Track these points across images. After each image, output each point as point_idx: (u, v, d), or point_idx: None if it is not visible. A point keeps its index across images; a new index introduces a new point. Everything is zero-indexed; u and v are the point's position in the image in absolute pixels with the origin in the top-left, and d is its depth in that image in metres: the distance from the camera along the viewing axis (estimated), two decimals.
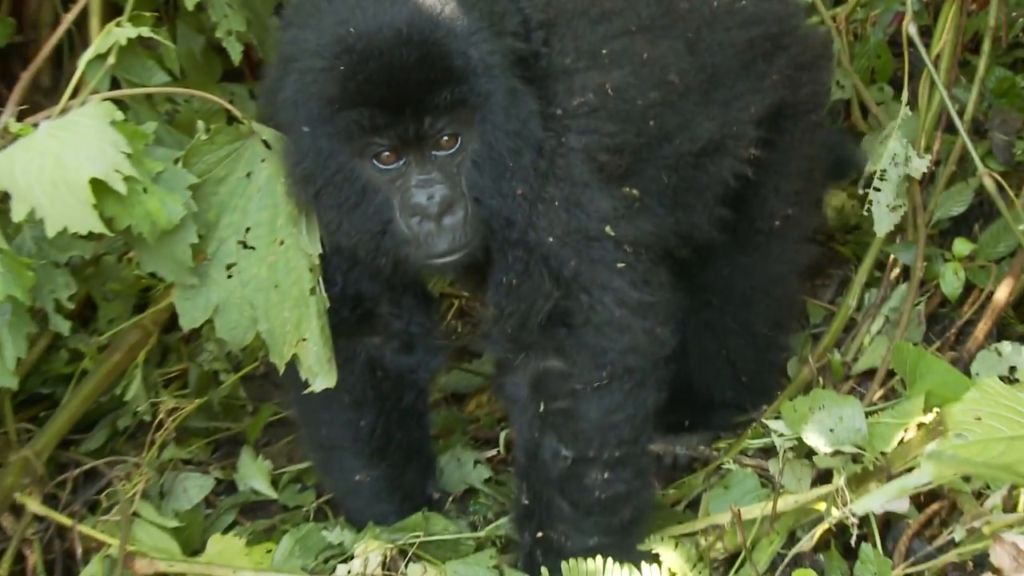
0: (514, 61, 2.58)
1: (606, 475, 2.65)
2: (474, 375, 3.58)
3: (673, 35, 2.89)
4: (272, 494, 3.34)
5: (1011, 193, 3.23)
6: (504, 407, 2.92)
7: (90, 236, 2.66)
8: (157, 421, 3.40)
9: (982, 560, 2.38)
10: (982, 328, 3.26)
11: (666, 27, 2.89)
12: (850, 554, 2.68)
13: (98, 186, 2.55)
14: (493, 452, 3.39)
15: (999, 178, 3.25)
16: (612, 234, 2.68)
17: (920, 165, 3.32)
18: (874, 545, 2.53)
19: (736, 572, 2.63)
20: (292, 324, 2.81)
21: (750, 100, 3.00)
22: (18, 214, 2.59)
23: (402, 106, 2.48)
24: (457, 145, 2.57)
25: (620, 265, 2.69)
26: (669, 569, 2.48)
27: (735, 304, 3.16)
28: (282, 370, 2.82)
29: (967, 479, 2.48)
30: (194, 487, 3.33)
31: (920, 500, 2.64)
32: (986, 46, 3.46)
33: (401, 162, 2.57)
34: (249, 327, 2.83)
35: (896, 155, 3.30)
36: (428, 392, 3.17)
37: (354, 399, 3.04)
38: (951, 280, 3.29)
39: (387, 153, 2.55)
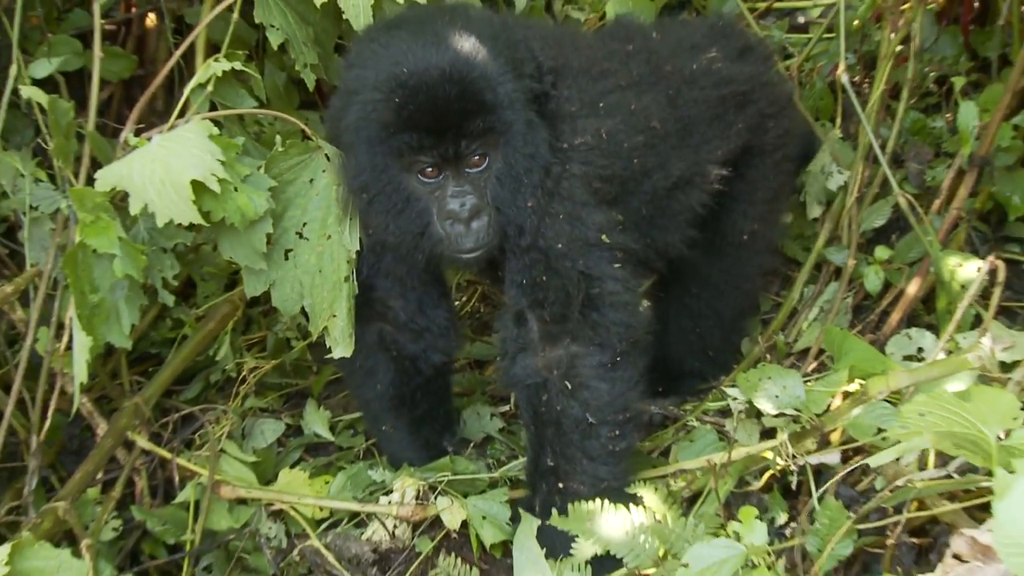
0: (531, 98, 2.71)
1: (617, 432, 2.78)
2: (492, 346, 3.64)
3: (657, 91, 3.03)
4: (330, 437, 3.49)
5: (921, 211, 3.38)
6: (511, 386, 2.96)
7: (190, 227, 2.78)
8: (241, 377, 3.58)
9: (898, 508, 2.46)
10: (895, 316, 3.40)
11: (652, 84, 3.04)
12: (789, 495, 2.80)
13: (197, 186, 2.70)
14: (506, 408, 3.50)
15: (912, 199, 3.37)
16: (607, 241, 2.81)
17: (839, 179, 3.56)
18: (810, 489, 2.61)
19: (699, 507, 2.73)
20: (327, 303, 2.97)
21: (718, 144, 3.14)
22: (134, 209, 2.72)
23: (443, 131, 2.62)
24: (485, 164, 2.71)
25: (616, 265, 2.82)
26: (648, 506, 2.51)
27: (709, 294, 3.30)
28: (315, 338, 3.00)
29: (885, 439, 2.53)
30: (269, 430, 3.48)
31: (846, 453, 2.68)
32: (904, 93, 3.61)
33: (440, 177, 2.71)
34: (297, 301, 2.99)
35: (824, 167, 3.54)
36: (447, 365, 3.28)
37: (370, 368, 3.17)
38: (872, 279, 3.46)
39: (430, 169, 2.69)
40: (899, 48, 3.65)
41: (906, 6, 3.63)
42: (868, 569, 2.52)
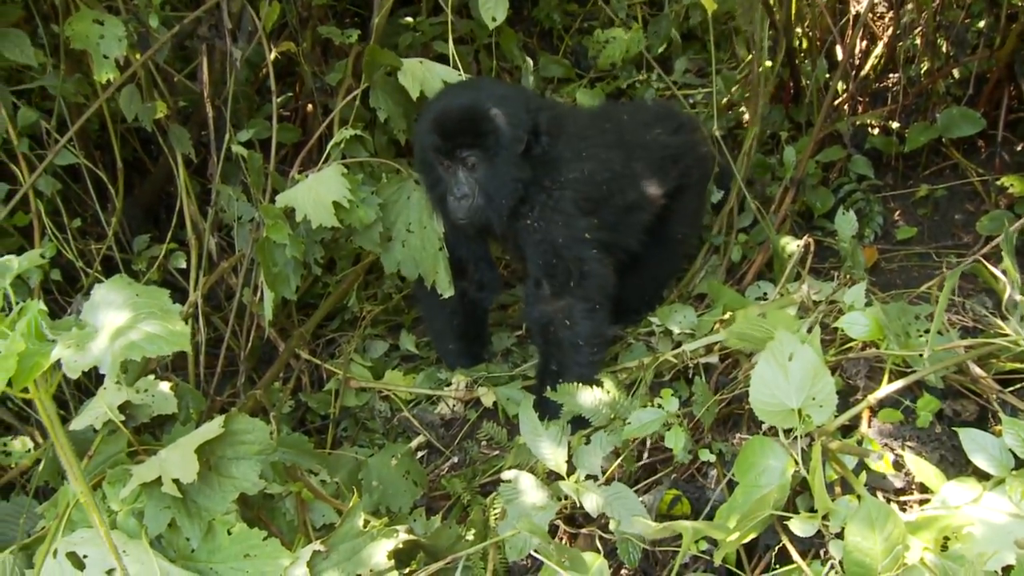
0: (515, 142, 2.70)
1: (595, 350, 2.81)
2: (512, 296, 3.56)
3: (619, 148, 2.98)
4: (416, 351, 3.44)
5: (764, 212, 3.32)
6: (530, 322, 2.98)
7: (331, 229, 2.72)
8: (363, 316, 3.49)
9: None
10: (750, 275, 3.34)
11: (616, 145, 2.98)
12: (688, 383, 2.70)
13: (336, 204, 2.61)
14: (519, 332, 3.43)
15: (759, 205, 3.36)
16: (589, 236, 2.81)
17: (718, 195, 3.49)
18: (701, 377, 2.52)
19: (635, 390, 2.64)
20: (432, 266, 2.94)
21: (659, 184, 3.08)
22: (298, 217, 2.72)
23: (449, 139, 2.68)
24: (474, 169, 2.71)
25: (593, 251, 2.81)
26: (607, 388, 2.45)
27: (652, 268, 3.23)
28: (429, 288, 2.97)
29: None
30: (379, 347, 3.46)
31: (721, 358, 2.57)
32: (753, 143, 3.53)
33: (451, 169, 2.72)
34: (414, 269, 2.96)
35: (711, 191, 3.43)
36: (488, 307, 3.24)
37: (451, 311, 3.13)
38: (736, 252, 3.35)
39: (445, 162, 2.71)
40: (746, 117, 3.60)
41: (748, 94, 3.59)
42: (737, 423, 2.45)
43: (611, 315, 2.88)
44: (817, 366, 1.83)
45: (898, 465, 1.91)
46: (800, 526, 1.75)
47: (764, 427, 2.11)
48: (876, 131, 3.76)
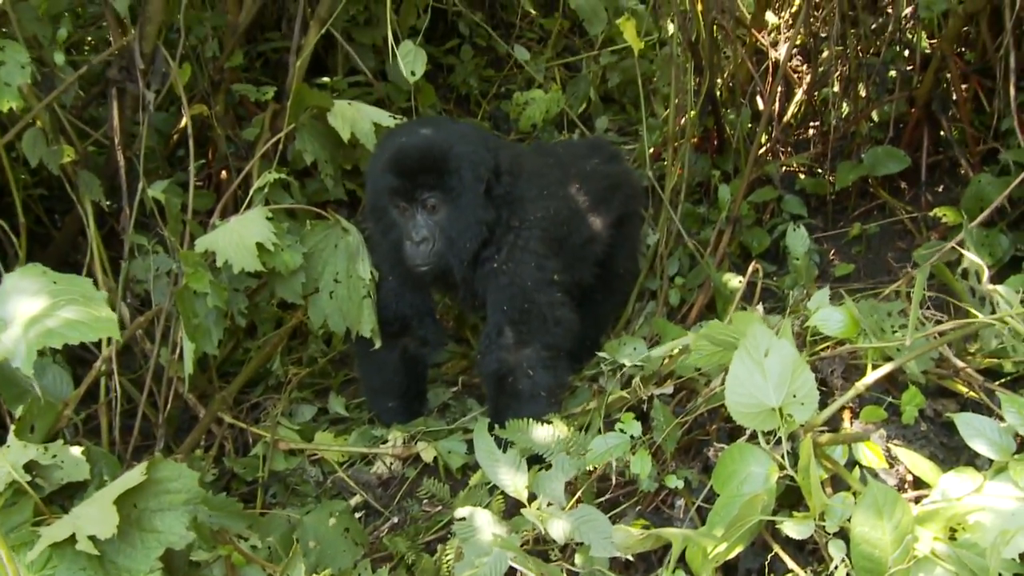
0: (476, 178, 2.57)
1: (554, 400, 2.71)
2: (447, 352, 3.40)
3: (570, 184, 2.91)
4: (346, 413, 3.24)
5: (702, 252, 3.22)
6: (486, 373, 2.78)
7: (254, 275, 2.57)
8: (288, 380, 3.31)
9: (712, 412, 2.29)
10: (693, 316, 3.23)
11: (567, 180, 2.92)
12: (643, 419, 2.54)
13: (259, 247, 2.47)
14: (455, 388, 3.29)
15: (697, 244, 3.25)
16: (557, 279, 2.71)
17: (654, 237, 3.35)
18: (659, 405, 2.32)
19: (588, 430, 2.45)
20: (357, 315, 2.74)
21: (606, 215, 3.01)
22: (219, 262, 2.58)
23: (409, 178, 2.52)
24: (435, 211, 2.56)
25: (559, 295, 2.72)
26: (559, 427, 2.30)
27: (598, 304, 3.12)
28: (355, 337, 2.81)
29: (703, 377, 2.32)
30: (307, 411, 3.27)
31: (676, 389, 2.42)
32: (683, 192, 3.47)
33: (408, 212, 2.56)
34: (341, 322, 2.81)
35: (647, 234, 3.31)
36: (427, 366, 3.12)
37: (393, 368, 2.97)
38: (675, 296, 3.26)
39: (403, 203, 2.56)
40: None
41: (677, 143, 3.55)
42: (700, 451, 2.30)
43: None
44: (796, 360, 1.72)
45: (889, 462, 1.78)
46: (795, 528, 1.60)
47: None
48: (803, 175, 3.76)
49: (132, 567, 1.97)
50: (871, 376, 1.74)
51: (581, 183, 2.92)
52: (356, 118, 2.79)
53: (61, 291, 1.26)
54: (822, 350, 2.02)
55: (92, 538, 1.88)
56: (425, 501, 2.75)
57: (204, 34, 3.62)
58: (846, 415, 1.89)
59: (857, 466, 1.74)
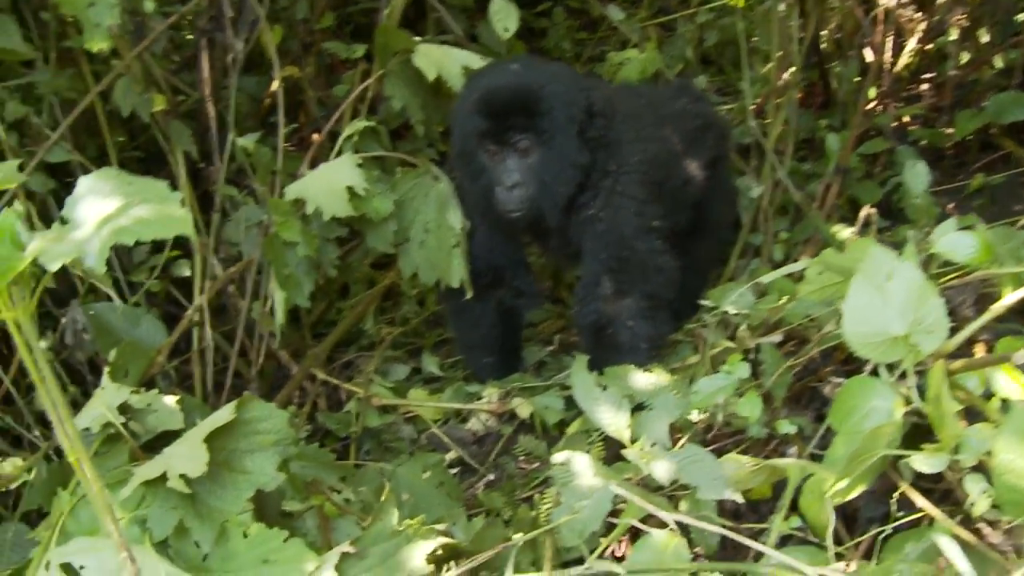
0: (572, 123, 2.46)
1: (654, 353, 2.59)
2: (544, 312, 3.32)
3: (665, 125, 2.77)
4: (440, 373, 3.14)
5: (809, 204, 3.11)
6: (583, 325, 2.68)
7: (345, 224, 2.51)
8: (381, 339, 3.21)
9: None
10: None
11: (661, 122, 2.77)
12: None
13: (350, 192, 2.39)
14: (551, 347, 3.18)
15: (805, 196, 3.17)
16: (658, 225, 2.60)
17: (758, 190, 3.15)
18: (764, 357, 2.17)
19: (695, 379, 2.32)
20: (447, 265, 2.67)
21: (700, 156, 2.86)
22: (310, 209, 2.52)
23: (499, 120, 2.42)
24: (527, 154, 2.45)
25: (659, 242, 2.61)
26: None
27: (694, 260, 2.92)
28: (443, 287, 2.73)
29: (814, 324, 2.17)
30: (400, 370, 3.19)
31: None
32: (789, 148, 3.33)
33: (498, 156, 2.46)
34: (432, 273, 2.73)
35: (751, 187, 3.12)
36: (525, 317, 3.01)
37: (489, 322, 2.88)
38: (779, 251, 3.10)
39: (492, 147, 2.45)
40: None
41: (780, 100, 3.39)
42: (813, 399, 2.17)
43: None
44: (923, 284, 1.58)
45: None
46: (926, 462, 1.47)
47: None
48: (917, 127, 3.57)
49: (223, 507, 1.92)
50: (1010, 297, 1.60)
51: (674, 124, 2.79)
52: (443, 60, 2.70)
53: (135, 191, 1.20)
54: (951, 279, 1.88)
55: (184, 477, 1.84)
56: (521, 458, 2.68)
57: None
58: (979, 349, 1.74)
59: (995, 398, 1.59)
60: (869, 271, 1.61)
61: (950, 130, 3.50)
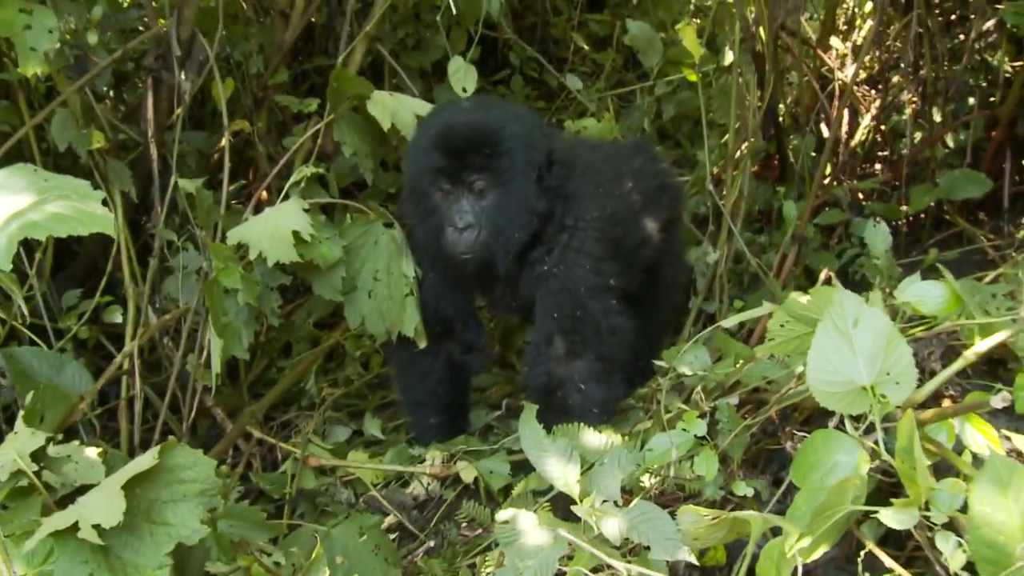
0: (529, 163, 2.37)
1: (605, 418, 2.45)
2: (491, 376, 3.26)
3: (623, 182, 2.71)
4: (382, 436, 3.02)
5: (766, 272, 3.06)
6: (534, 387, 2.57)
7: (289, 272, 2.40)
8: (322, 399, 3.09)
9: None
10: (755, 339, 2.93)
11: (619, 178, 2.70)
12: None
13: (296, 236, 2.29)
14: (498, 412, 3.05)
15: (761, 263, 3.11)
16: (613, 284, 2.51)
17: (714, 256, 3.11)
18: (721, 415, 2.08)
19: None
20: (399, 314, 2.56)
21: (656, 217, 2.80)
22: (252, 254, 2.41)
23: (456, 158, 2.33)
24: (483, 195, 2.37)
25: (614, 302, 2.51)
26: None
27: (653, 318, 2.89)
28: (395, 338, 2.63)
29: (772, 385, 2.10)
30: (340, 432, 3.07)
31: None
32: (742, 217, 3.29)
33: (452, 196, 2.37)
34: (380, 323, 2.63)
35: (708, 252, 3.06)
36: (472, 374, 2.89)
37: (437, 378, 2.75)
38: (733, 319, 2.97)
39: (447, 186, 2.36)
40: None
41: (735, 172, 3.36)
42: (770, 463, 2.08)
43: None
44: (891, 332, 1.50)
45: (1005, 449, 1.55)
46: (896, 517, 1.37)
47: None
48: (872, 200, 3.55)
49: (139, 562, 1.78)
50: (981, 344, 1.52)
51: (632, 181, 2.73)
52: (397, 108, 2.63)
53: (51, 188, 1.10)
54: (917, 330, 1.81)
55: (97, 527, 1.70)
56: (464, 524, 2.54)
57: (249, 50, 3.52)
58: (946, 403, 1.66)
59: (966, 451, 1.51)
60: (835, 317, 1.53)
61: (904, 207, 3.48)
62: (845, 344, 1.52)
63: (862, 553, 1.48)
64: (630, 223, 2.65)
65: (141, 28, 2.96)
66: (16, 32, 2.04)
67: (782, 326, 1.81)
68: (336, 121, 2.67)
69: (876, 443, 1.49)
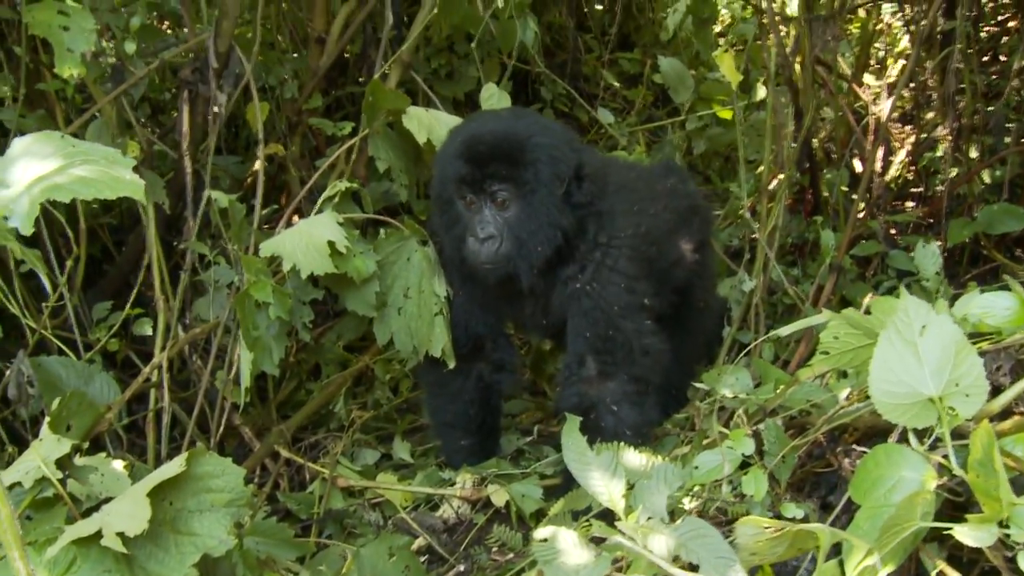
0: (555, 176, 2.28)
1: (640, 441, 2.26)
2: (523, 403, 3.16)
3: (657, 201, 2.60)
4: (410, 460, 2.91)
5: (803, 300, 2.96)
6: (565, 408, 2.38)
7: (321, 283, 2.31)
8: (351, 422, 2.99)
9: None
10: (793, 368, 2.81)
11: (653, 197, 2.60)
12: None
13: (330, 246, 2.21)
14: (530, 438, 2.96)
15: (798, 292, 3.02)
16: (648, 304, 2.41)
17: (750, 284, 2.98)
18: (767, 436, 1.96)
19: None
20: (428, 333, 2.47)
21: (688, 238, 2.71)
22: (286, 267, 2.31)
23: (480, 167, 2.25)
24: (506, 207, 2.28)
25: (649, 323, 2.41)
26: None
27: (686, 342, 2.78)
28: (422, 358, 2.53)
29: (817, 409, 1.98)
30: (369, 455, 2.96)
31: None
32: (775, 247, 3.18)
33: (475, 206, 2.29)
34: (409, 340, 2.52)
35: (744, 280, 2.94)
36: (503, 395, 2.77)
37: (468, 399, 2.65)
38: (768, 350, 2.93)
39: (470, 196, 2.28)
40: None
41: (770, 204, 3.26)
42: (817, 487, 1.96)
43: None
44: (960, 341, 1.40)
45: None
46: (972, 534, 1.25)
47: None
48: (908, 234, 3.45)
49: (163, 573, 1.68)
50: None
51: (665, 201, 2.64)
52: (433, 124, 2.55)
53: (79, 153, 1.02)
54: (982, 344, 1.70)
55: (121, 536, 1.60)
56: (495, 549, 2.42)
57: (283, 76, 3.47)
58: (1016, 420, 1.55)
59: None
60: (900, 325, 1.43)
61: (939, 242, 3.38)
62: (911, 353, 1.41)
63: (933, 574, 1.36)
64: (663, 242, 2.56)
65: (175, 40, 2.90)
66: (54, 33, 1.98)
67: (836, 338, 1.69)
68: (371, 136, 2.60)
69: (945, 458, 1.38)
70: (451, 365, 2.50)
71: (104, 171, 0.98)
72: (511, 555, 2.38)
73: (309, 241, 2.28)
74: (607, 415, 2.35)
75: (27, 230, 0.94)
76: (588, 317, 2.35)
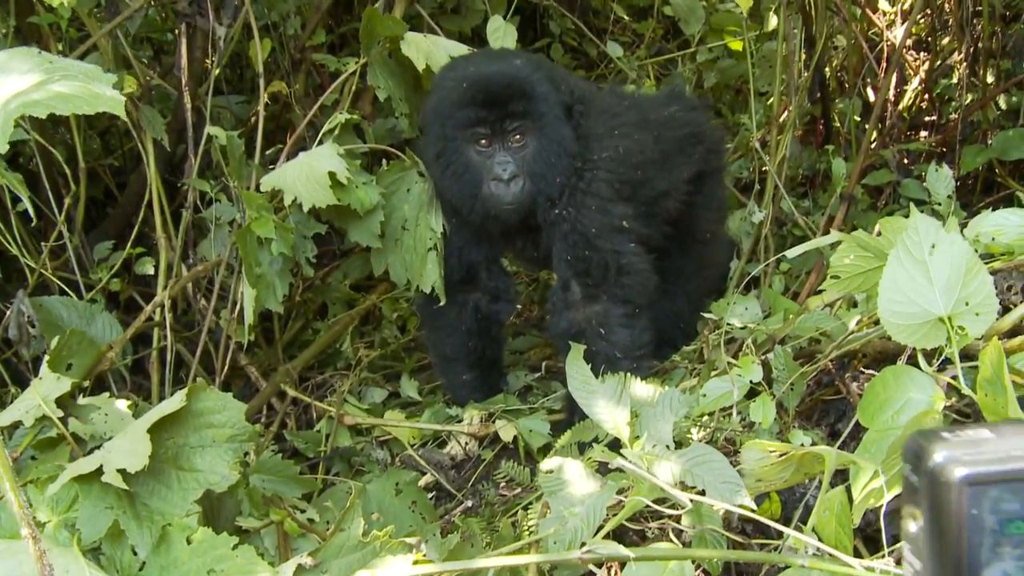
0: (562, 106, 2.27)
1: (635, 365, 2.27)
2: (531, 338, 3.14)
3: (646, 130, 2.54)
4: (418, 398, 2.89)
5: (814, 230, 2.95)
6: (557, 336, 2.46)
7: (324, 221, 2.28)
8: (358, 360, 2.98)
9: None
10: (803, 297, 2.79)
11: (643, 125, 2.54)
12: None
13: (332, 178, 2.17)
14: (538, 373, 2.92)
15: (808, 222, 2.98)
16: (627, 226, 2.37)
17: (760, 215, 2.94)
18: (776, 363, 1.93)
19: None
20: (420, 268, 2.44)
21: (684, 168, 2.64)
22: (287, 200, 2.29)
23: (493, 109, 2.22)
24: (524, 143, 2.26)
25: (632, 244, 2.37)
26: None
27: (682, 281, 2.74)
28: (413, 290, 2.54)
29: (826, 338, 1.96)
30: (376, 393, 2.93)
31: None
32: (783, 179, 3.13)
33: (490, 148, 2.25)
34: (403, 272, 2.50)
35: (753, 212, 2.89)
36: (504, 326, 2.76)
37: (466, 329, 2.62)
38: (778, 283, 2.87)
39: (484, 140, 2.25)
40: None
41: (779, 136, 3.20)
42: (826, 414, 1.93)
43: (652, 320, 2.42)
44: (971, 259, 1.36)
45: None
46: None
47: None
48: (921, 162, 3.39)
49: (166, 509, 1.66)
50: None
51: (658, 129, 2.59)
52: (431, 49, 2.51)
53: (57, 69, 0.99)
54: (994, 264, 1.66)
55: (122, 472, 1.59)
56: (502, 484, 2.41)
57: (286, 11, 3.40)
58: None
59: None
60: (910, 243, 1.39)
61: (952, 171, 3.32)
62: (920, 272, 1.38)
63: None
64: (651, 169, 2.51)
65: None
66: None
67: (846, 262, 1.66)
68: (370, 65, 2.55)
69: (954, 378, 1.35)
70: (442, 301, 2.48)
71: (83, 87, 0.94)
72: (519, 490, 2.37)
73: (310, 173, 2.25)
74: (596, 339, 2.33)
75: (1, 147, 0.91)
76: (567, 240, 2.35)
